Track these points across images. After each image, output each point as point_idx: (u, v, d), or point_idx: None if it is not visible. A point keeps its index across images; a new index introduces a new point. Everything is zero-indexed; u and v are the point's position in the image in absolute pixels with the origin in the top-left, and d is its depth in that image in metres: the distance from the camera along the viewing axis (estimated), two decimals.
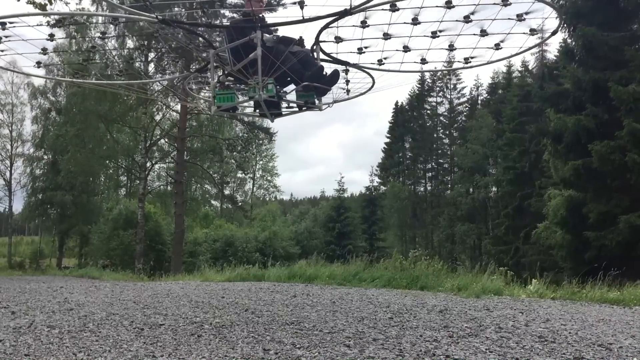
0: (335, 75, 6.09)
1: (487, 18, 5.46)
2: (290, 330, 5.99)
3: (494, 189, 46.75)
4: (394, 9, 5.29)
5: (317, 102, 6.21)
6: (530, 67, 44.22)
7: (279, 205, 56.59)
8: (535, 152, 33.76)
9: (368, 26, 5.66)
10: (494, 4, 5.21)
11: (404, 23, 5.44)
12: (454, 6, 5.24)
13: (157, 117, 29.70)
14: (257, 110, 6.61)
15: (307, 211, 54.09)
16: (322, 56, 6.31)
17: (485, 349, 5.02)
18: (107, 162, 34.68)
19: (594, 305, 8.22)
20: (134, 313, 7.32)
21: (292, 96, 6.16)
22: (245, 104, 6.64)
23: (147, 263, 25.54)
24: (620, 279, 10.05)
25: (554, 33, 6.13)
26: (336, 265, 13.49)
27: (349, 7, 5.16)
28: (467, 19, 5.42)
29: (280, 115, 6.45)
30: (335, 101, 6.88)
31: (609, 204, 19.36)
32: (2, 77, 38.36)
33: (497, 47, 5.96)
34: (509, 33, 5.66)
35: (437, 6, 5.23)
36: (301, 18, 5.24)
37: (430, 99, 61.55)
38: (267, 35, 5.79)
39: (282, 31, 6.05)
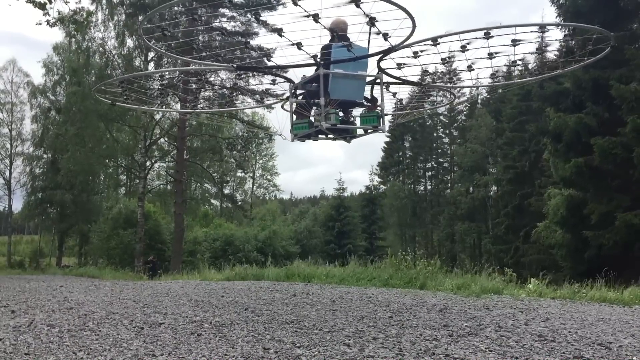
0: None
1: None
2: (290, 329, 5.98)
3: (494, 188, 46.76)
4: (435, 43, 5.92)
5: (380, 125, 6.30)
6: (530, 67, 44.21)
7: (278, 205, 56.56)
8: (535, 151, 33.75)
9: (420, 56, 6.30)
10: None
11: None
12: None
13: (157, 116, 29.74)
14: (330, 136, 6.80)
15: (307, 210, 54.01)
16: (387, 79, 6.82)
17: (485, 348, 5.02)
18: (107, 161, 34.70)
19: (593, 305, 8.22)
20: (133, 312, 7.32)
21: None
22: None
23: (147, 262, 25.54)
24: (619, 279, 10.06)
25: None
26: (334, 266, 13.53)
27: (392, 46, 5.80)
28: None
29: (352, 137, 6.74)
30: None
31: (610, 204, 19.34)
32: (2, 76, 38.33)
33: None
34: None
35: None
36: (354, 56, 5.78)
37: (430, 98, 61.47)
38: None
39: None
